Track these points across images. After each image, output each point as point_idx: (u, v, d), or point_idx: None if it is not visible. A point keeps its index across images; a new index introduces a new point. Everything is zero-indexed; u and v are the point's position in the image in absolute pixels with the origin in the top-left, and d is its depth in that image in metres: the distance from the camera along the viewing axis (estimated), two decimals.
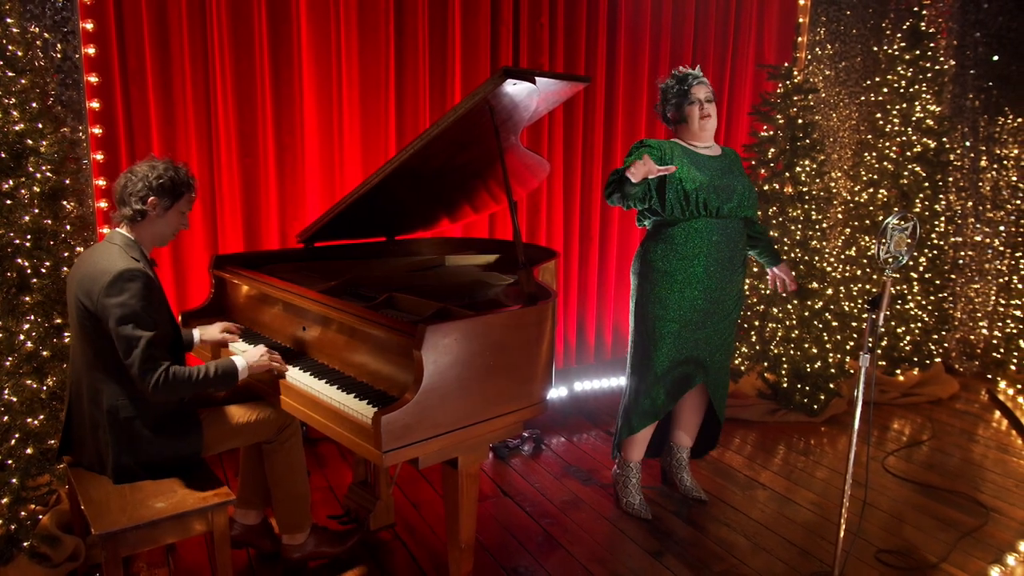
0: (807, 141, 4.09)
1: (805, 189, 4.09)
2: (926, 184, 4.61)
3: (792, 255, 4.09)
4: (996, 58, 5.03)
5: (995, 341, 5.02)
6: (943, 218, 4.72)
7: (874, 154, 4.74)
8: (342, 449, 3.54)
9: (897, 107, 4.65)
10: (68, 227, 2.73)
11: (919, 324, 4.72)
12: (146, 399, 2.08)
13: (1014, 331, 4.86)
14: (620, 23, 4.28)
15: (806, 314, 4.10)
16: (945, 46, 5.11)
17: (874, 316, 2.32)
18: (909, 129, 4.61)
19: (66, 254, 2.64)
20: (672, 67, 4.38)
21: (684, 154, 2.70)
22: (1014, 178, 4.95)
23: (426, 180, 2.80)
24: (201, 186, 3.28)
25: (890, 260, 2.32)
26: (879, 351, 4.73)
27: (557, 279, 3.01)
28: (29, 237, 2.51)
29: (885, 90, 4.73)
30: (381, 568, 2.60)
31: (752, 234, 2.92)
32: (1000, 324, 4.99)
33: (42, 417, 2.47)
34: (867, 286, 4.66)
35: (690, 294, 2.73)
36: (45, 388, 2.51)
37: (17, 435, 2.40)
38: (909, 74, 4.62)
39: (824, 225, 4.17)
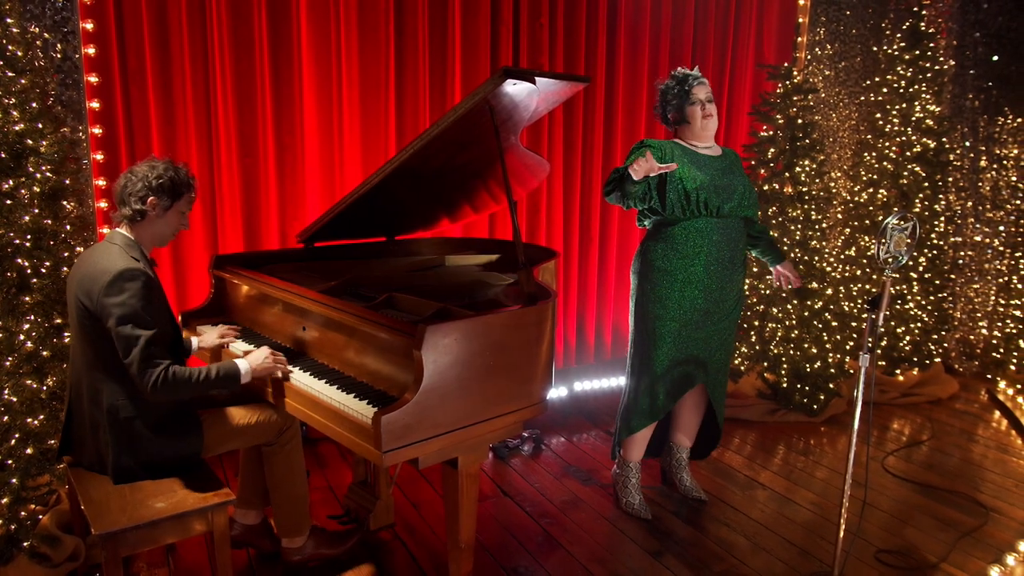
0: (807, 141, 4.09)
1: (805, 189, 4.09)
2: (926, 184, 4.62)
3: (792, 255, 4.09)
4: (996, 58, 5.03)
5: (995, 341, 5.02)
6: (943, 218, 4.73)
7: (874, 154, 4.74)
8: (342, 449, 3.54)
9: (897, 107, 4.66)
10: (68, 227, 2.73)
11: (919, 324, 4.72)
12: (146, 399, 2.08)
13: (1014, 331, 4.86)
14: (620, 23, 4.28)
15: (806, 314, 4.10)
16: (945, 46, 5.11)
17: (874, 316, 2.32)
18: (909, 129, 4.62)
19: (66, 254, 2.64)
20: (672, 67, 4.39)
21: (684, 154, 2.70)
22: (1014, 178, 4.95)
23: (426, 180, 2.80)
24: (201, 186, 3.28)
25: (890, 260, 2.32)
26: (879, 351, 4.74)
27: (557, 279, 3.01)
28: (29, 237, 2.51)
29: (885, 90, 4.73)
30: (381, 568, 2.60)
31: (753, 234, 2.93)
32: (1000, 324, 4.99)
33: (42, 417, 2.47)
34: (867, 286, 4.66)
35: (690, 293, 2.73)
36: (45, 388, 2.51)
37: (17, 435, 2.39)
38: (909, 74, 4.62)
39: (824, 225, 4.17)
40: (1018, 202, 4.93)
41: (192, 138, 3.32)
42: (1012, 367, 4.82)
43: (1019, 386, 4.55)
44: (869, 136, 4.88)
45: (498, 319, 2.10)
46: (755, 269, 4.24)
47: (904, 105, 4.63)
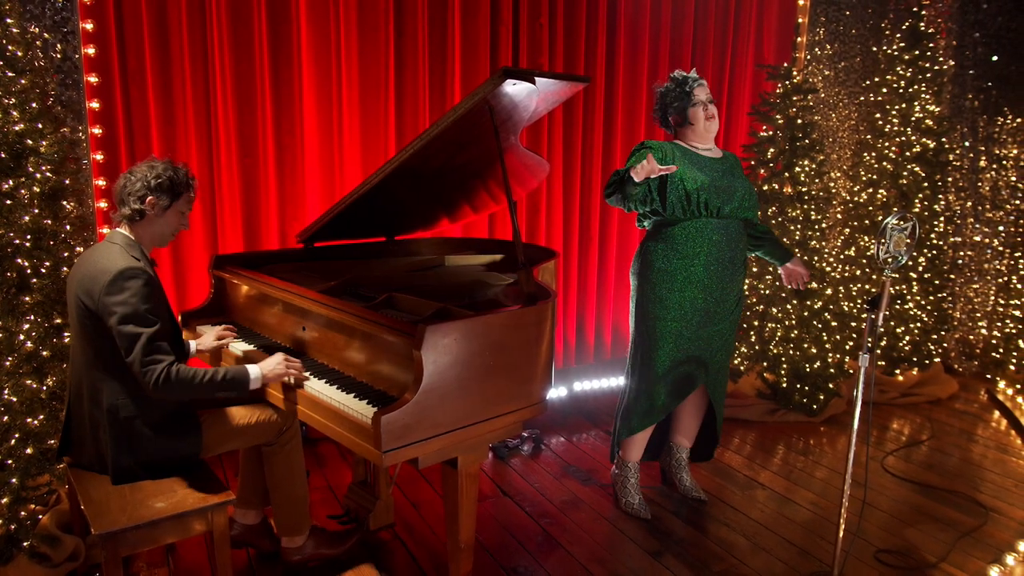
0: (806, 141, 4.10)
1: (804, 189, 4.09)
2: (925, 184, 4.62)
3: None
4: (995, 58, 5.04)
5: (994, 341, 5.02)
6: (942, 218, 4.73)
7: (873, 154, 4.74)
8: (342, 449, 3.54)
9: (896, 107, 4.66)
10: (68, 227, 2.73)
11: (918, 324, 4.72)
12: (147, 398, 2.08)
13: (1013, 331, 4.86)
14: (620, 23, 4.29)
15: (805, 314, 4.10)
16: (944, 46, 5.11)
17: (873, 316, 2.32)
18: (908, 129, 4.62)
19: (66, 254, 2.64)
20: (672, 67, 4.40)
21: (685, 155, 2.70)
22: (1013, 178, 4.96)
23: (426, 180, 2.81)
24: (201, 186, 3.28)
25: (889, 260, 2.32)
26: (878, 351, 4.74)
27: (557, 279, 3.01)
28: (29, 237, 2.51)
29: (884, 90, 4.74)
30: (381, 568, 2.60)
31: (755, 235, 2.92)
32: (999, 324, 4.99)
33: (42, 417, 2.47)
34: (866, 286, 4.66)
35: (690, 294, 2.73)
36: (45, 388, 2.51)
37: (17, 435, 2.40)
38: (908, 74, 4.62)
39: (823, 225, 4.17)
40: (1017, 202, 4.93)
41: (192, 138, 3.32)
42: (1011, 367, 4.82)
43: (1018, 386, 4.56)
44: (869, 136, 4.88)
45: (498, 319, 2.10)
46: (755, 269, 4.24)
47: (904, 105, 4.64)
